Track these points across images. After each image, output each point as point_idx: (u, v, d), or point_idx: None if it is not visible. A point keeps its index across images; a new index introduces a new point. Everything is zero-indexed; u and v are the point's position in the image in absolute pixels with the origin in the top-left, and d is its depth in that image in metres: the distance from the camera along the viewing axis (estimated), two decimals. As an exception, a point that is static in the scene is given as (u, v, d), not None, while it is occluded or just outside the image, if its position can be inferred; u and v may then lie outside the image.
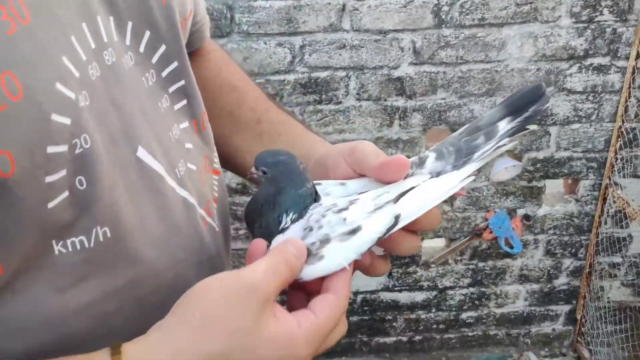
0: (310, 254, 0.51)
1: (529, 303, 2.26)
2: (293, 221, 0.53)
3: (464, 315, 2.28)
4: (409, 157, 0.56)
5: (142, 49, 0.53)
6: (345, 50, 1.78)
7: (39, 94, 0.40)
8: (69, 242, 0.44)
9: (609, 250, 2.10)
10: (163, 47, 0.55)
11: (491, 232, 2.04)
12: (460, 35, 1.77)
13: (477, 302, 2.25)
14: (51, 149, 0.41)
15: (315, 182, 0.56)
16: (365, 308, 2.25)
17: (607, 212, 2.05)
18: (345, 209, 0.53)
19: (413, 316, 2.28)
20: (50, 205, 0.42)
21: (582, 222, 2.11)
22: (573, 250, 2.16)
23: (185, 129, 0.59)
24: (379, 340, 2.33)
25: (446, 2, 1.73)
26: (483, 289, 2.23)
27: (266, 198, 0.54)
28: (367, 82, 1.83)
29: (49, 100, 0.40)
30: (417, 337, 2.33)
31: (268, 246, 0.53)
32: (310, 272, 0.50)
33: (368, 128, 1.90)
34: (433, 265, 2.17)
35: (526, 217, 2.07)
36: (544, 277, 2.21)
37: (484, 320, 2.29)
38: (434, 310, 2.27)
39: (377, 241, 0.52)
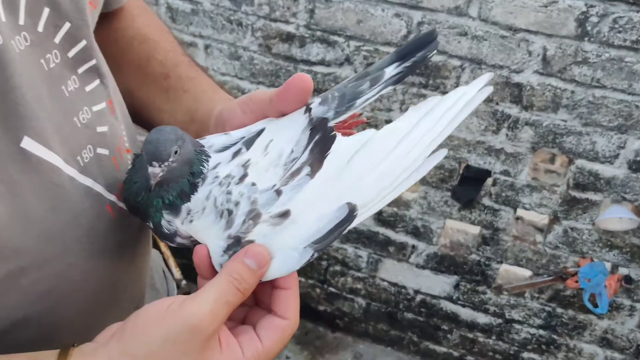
0: (242, 242, 0.48)
1: (605, 370, 1.99)
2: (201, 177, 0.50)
3: (525, 355, 2.07)
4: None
5: (40, 29, 0.49)
6: (466, 38, 1.60)
7: None
8: None
9: None
10: (67, 25, 0.51)
11: (577, 282, 1.79)
12: (604, 55, 1.50)
13: (544, 346, 2.02)
14: None
15: (199, 139, 0.54)
16: (422, 310, 2.13)
17: None
18: (245, 175, 0.49)
19: (470, 335, 2.11)
20: None
21: (697, 307, 1.77)
22: (675, 334, 1.83)
23: (100, 111, 0.55)
24: (428, 346, 2.21)
25: (596, 13, 1.46)
26: (555, 336, 1.99)
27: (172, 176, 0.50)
28: (482, 80, 1.64)
29: None
30: (470, 358, 2.17)
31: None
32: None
33: (470, 128, 1.72)
34: (506, 293, 1.97)
35: (628, 279, 1.78)
36: (632, 349, 1.91)
37: (546, 369, 2.06)
38: (494, 337, 2.08)
39: (329, 239, 0.48)
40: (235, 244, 0.48)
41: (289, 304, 0.48)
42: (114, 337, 0.45)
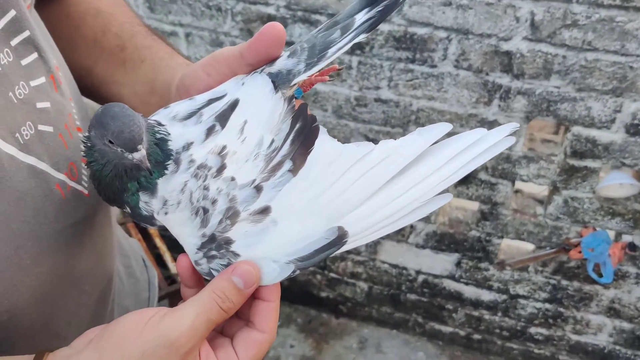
0: (221, 245, 0.46)
1: (614, 340, 1.95)
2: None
3: (532, 330, 2.03)
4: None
5: None
6: (451, 8, 1.55)
7: None
8: None
9: None
10: None
11: (580, 252, 1.75)
12: (594, 16, 1.45)
13: (550, 320, 1.99)
14: None
15: (163, 108, 0.51)
16: (425, 290, 2.09)
17: None
18: (223, 166, 0.46)
19: (476, 313, 2.08)
20: None
21: None
22: (684, 299, 1.79)
23: (39, 86, 0.52)
24: (434, 326, 2.17)
25: (584, -28, 1.41)
26: (561, 309, 1.95)
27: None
28: (470, 50, 1.59)
29: None
30: (476, 336, 2.13)
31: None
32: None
33: (462, 101, 1.68)
34: (509, 268, 1.93)
35: (632, 246, 1.74)
36: (640, 318, 1.87)
37: (554, 342, 2.03)
38: (500, 314, 2.05)
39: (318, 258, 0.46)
40: (210, 242, 0.46)
41: (269, 317, 0.47)
42: (91, 344, 0.44)
